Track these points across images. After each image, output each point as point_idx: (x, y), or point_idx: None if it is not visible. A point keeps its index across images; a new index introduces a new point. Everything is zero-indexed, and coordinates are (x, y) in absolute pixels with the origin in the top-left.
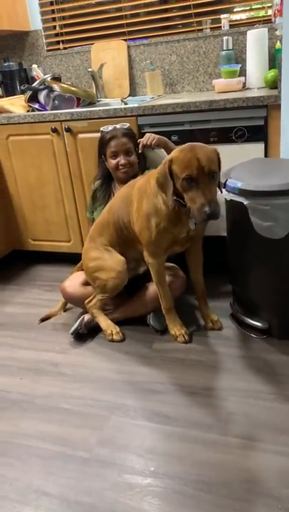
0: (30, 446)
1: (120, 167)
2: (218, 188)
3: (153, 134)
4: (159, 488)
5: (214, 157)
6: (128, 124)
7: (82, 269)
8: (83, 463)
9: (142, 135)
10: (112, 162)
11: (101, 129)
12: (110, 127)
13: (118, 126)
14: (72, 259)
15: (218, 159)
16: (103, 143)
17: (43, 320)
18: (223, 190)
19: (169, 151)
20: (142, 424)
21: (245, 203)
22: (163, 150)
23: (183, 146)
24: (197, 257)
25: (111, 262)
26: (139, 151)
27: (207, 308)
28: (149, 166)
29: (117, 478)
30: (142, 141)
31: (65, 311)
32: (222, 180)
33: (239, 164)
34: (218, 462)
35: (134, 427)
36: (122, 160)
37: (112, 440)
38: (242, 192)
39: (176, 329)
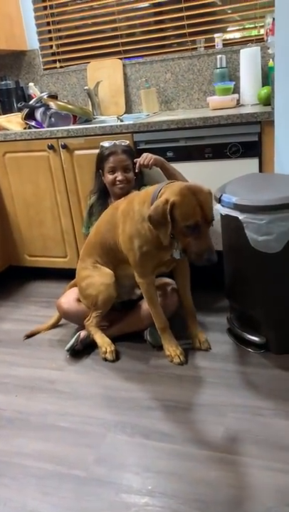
0: (25, 466)
1: (117, 183)
2: None
3: (150, 154)
4: (157, 508)
5: (212, 201)
6: (128, 142)
7: (76, 286)
8: (79, 482)
9: (138, 151)
10: (110, 177)
11: (100, 143)
12: (110, 143)
13: (118, 142)
14: (68, 275)
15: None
16: (102, 158)
17: (28, 336)
18: (219, 205)
19: (165, 170)
20: (138, 442)
21: (240, 218)
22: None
23: (180, 188)
24: (184, 277)
25: (99, 278)
26: (136, 171)
27: (195, 327)
28: (147, 183)
29: (114, 498)
30: (139, 161)
31: (53, 328)
32: (217, 195)
33: (234, 179)
34: (216, 480)
35: (131, 445)
36: (119, 176)
37: (109, 458)
38: (237, 207)
39: (171, 350)
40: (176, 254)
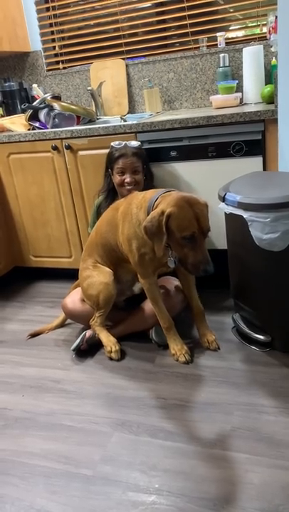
0: (32, 465)
1: (126, 184)
2: None
3: None
4: (164, 506)
5: (207, 213)
6: (139, 143)
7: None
8: (87, 481)
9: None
10: (118, 178)
11: (111, 144)
12: (120, 143)
13: (128, 143)
14: (73, 275)
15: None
16: (112, 159)
17: (32, 336)
18: (223, 203)
19: None
20: (145, 441)
21: (244, 216)
22: (170, 167)
23: (176, 199)
24: (188, 277)
25: (98, 277)
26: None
27: (204, 327)
28: (156, 185)
29: (121, 496)
30: None
31: (58, 328)
32: (221, 194)
33: (238, 178)
34: (222, 478)
35: (138, 444)
36: (128, 178)
37: (116, 457)
38: (241, 205)
39: (176, 349)
40: (171, 262)
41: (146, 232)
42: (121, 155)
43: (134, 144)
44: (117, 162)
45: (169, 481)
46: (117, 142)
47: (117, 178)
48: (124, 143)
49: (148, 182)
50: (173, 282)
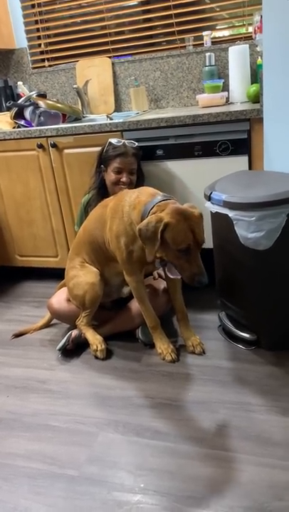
0: (17, 466)
1: (120, 183)
2: None
3: None
4: (149, 505)
5: (202, 225)
6: (136, 143)
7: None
8: (72, 481)
9: None
10: (114, 176)
11: (110, 140)
12: (119, 141)
13: (127, 143)
14: (59, 275)
15: None
16: (109, 156)
17: (16, 336)
18: (209, 202)
19: None
20: (131, 440)
21: (230, 215)
22: (156, 166)
23: (172, 211)
24: (174, 279)
25: (84, 277)
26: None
27: (188, 330)
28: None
29: (107, 496)
30: None
31: (44, 328)
32: (206, 193)
33: (224, 177)
34: (209, 477)
35: (124, 443)
36: (124, 178)
37: (101, 457)
38: (227, 204)
39: (163, 348)
40: (157, 263)
41: (140, 234)
42: (120, 153)
43: (133, 144)
44: (115, 160)
45: (155, 480)
46: (115, 140)
47: (112, 176)
48: (122, 141)
49: (139, 182)
50: (160, 282)
